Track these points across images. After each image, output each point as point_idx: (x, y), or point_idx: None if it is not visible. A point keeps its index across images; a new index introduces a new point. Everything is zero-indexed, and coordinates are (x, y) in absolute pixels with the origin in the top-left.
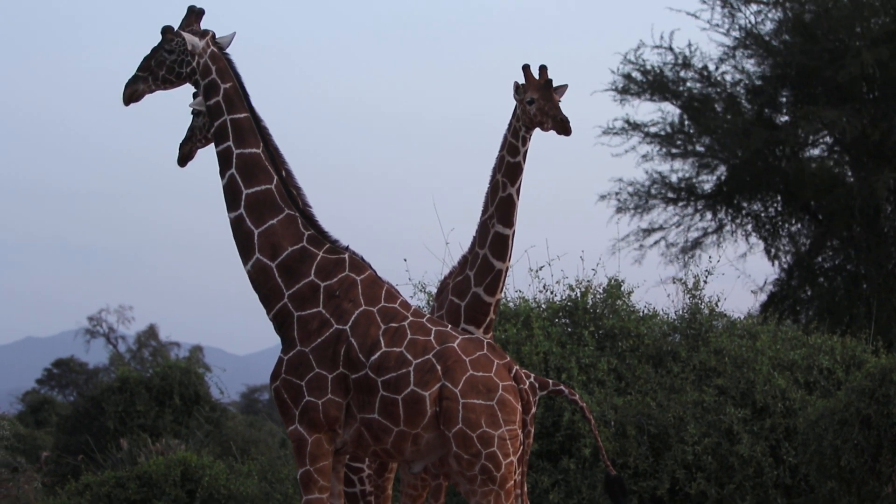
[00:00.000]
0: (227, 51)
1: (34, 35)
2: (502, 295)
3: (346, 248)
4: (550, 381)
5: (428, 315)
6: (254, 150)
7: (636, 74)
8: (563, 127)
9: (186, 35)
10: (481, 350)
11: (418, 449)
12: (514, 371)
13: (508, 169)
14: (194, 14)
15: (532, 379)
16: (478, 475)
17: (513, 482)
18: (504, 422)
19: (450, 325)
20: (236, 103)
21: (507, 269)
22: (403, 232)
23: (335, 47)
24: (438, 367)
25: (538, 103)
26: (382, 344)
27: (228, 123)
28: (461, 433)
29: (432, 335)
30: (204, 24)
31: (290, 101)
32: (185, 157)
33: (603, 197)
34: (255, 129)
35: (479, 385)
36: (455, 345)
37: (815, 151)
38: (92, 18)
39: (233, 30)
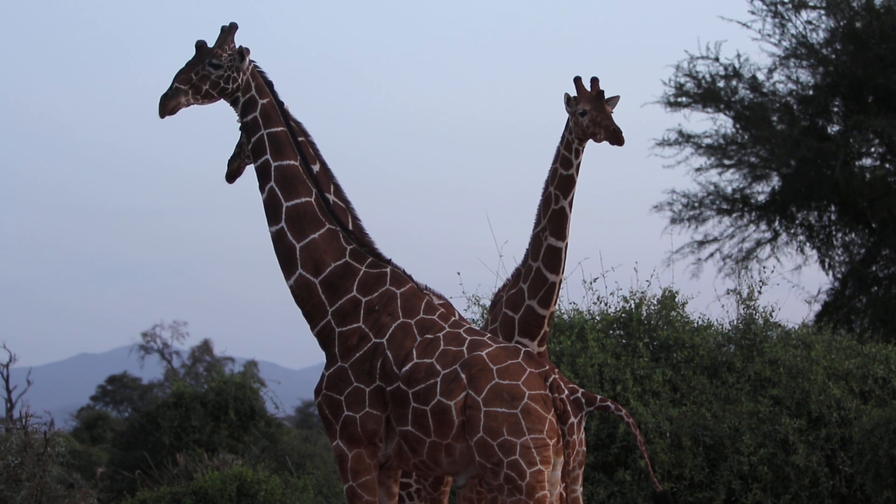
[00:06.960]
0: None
1: (80, 53)
2: (556, 307)
3: (389, 262)
4: (598, 397)
5: (468, 326)
6: (291, 163)
7: (689, 85)
8: (615, 137)
9: (235, 52)
10: (514, 358)
11: (454, 460)
12: (550, 380)
13: (561, 181)
14: (230, 31)
15: (579, 393)
16: (503, 484)
17: (545, 492)
18: (528, 430)
19: (489, 335)
20: (273, 117)
21: (561, 281)
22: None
23: (388, 56)
24: (463, 376)
25: (590, 114)
26: (414, 356)
27: (266, 137)
28: (482, 441)
29: (465, 345)
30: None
31: (344, 111)
32: (233, 174)
33: (657, 208)
34: (291, 143)
35: (504, 393)
36: (484, 353)
37: (868, 160)
38: (135, 37)
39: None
